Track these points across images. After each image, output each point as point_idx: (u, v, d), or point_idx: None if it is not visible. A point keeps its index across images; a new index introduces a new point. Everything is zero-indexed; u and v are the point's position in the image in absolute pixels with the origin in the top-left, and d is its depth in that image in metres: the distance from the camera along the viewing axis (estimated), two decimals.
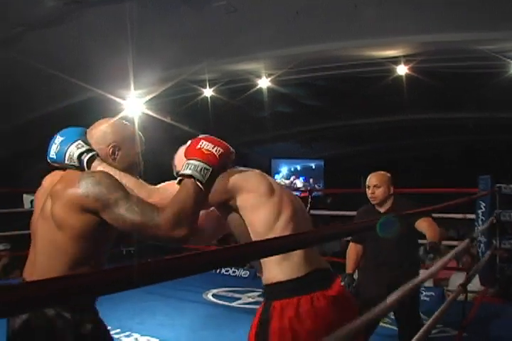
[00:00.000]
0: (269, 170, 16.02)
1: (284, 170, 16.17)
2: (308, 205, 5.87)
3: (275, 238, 1.27)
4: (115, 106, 7.20)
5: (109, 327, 1.83)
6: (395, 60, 7.19)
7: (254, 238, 1.81)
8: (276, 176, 15.93)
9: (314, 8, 5.52)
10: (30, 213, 1.88)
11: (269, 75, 7.80)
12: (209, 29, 6.18)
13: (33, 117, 7.62)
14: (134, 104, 7.32)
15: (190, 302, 5.07)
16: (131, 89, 6.53)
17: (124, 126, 1.88)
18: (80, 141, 1.79)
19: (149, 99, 7.43)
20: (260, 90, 8.42)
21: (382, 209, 3.36)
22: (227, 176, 1.82)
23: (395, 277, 3.17)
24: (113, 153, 1.80)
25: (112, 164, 1.79)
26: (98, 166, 1.75)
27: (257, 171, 1.95)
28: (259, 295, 5.07)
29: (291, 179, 16.06)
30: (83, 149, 1.77)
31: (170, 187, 1.75)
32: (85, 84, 6.20)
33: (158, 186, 1.86)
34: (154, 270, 0.76)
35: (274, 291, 1.79)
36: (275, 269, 1.78)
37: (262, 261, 1.82)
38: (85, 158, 1.75)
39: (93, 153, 1.77)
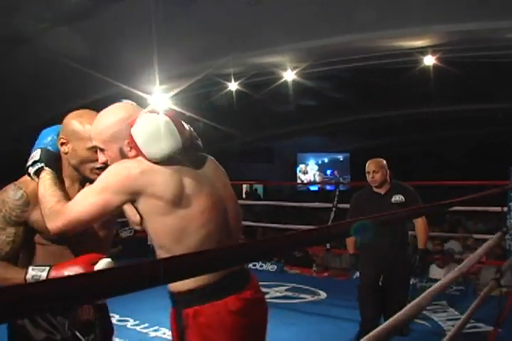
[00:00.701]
0: (295, 164, 16.00)
1: (312, 163, 16.12)
2: (336, 198, 5.81)
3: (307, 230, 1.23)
4: (141, 102, 7.22)
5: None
6: (422, 51, 7.07)
7: (159, 249, 1.62)
8: (298, 169, 15.89)
9: None
10: None
11: (294, 68, 7.74)
12: (233, 22, 6.15)
13: (58, 113, 7.68)
14: (160, 98, 7.32)
15: None
16: (156, 84, 6.54)
17: (72, 116, 1.71)
18: (37, 150, 1.72)
19: (174, 94, 7.44)
20: (285, 83, 8.37)
21: (382, 191, 3.82)
22: (132, 175, 1.54)
23: (388, 263, 3.69)
24: (61, 146, 1.71)
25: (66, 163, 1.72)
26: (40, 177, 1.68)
27: (175, 170, 1.59)
28: (286, 290, 5.05)
29: (311, 171, 15.99)
30: (30, 162, 1.71)
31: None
32: (110, 79, 6.22)
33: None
34: (180, 266, 0.74)
35: (187, 298, 1.63)
36: None
37: None
38: (31, 171, 1.70)
39: (38, 166, 1.68)
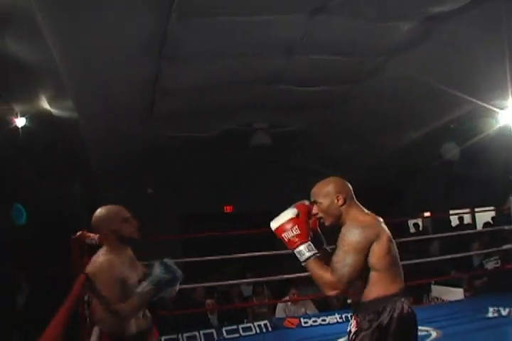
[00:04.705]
0: None
1: None
2: None
3: None
4: (492, 118, 7.09)
5: None
6: None
7: None
8: None
9: None
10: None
11: None
12: None
13: (417, 136, 8.21)
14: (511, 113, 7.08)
15: None
16: (509, 98, 6.35)
17: None
18: None
19: None
20: None
21: None
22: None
23: None
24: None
25: None
26: None
27: None
28: None
29: None
30: None
31: None
32: (467, 96, 6.36)
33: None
34: None
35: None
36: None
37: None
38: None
39: None
